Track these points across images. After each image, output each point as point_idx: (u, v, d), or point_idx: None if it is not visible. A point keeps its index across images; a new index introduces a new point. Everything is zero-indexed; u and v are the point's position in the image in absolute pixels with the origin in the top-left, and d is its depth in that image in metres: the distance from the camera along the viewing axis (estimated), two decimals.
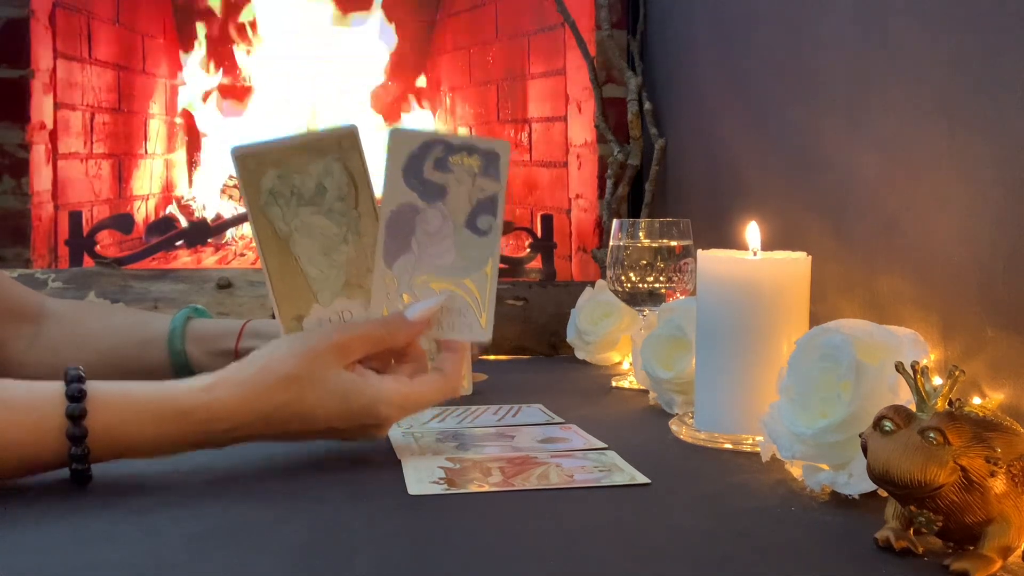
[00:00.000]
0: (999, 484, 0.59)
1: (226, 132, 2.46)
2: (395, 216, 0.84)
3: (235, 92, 2.53)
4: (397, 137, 0.84)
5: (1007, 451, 0.60)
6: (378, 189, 0.84)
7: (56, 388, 0.75)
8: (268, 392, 0.78)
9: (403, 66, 2.60)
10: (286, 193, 0.83)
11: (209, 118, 2.52)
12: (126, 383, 0.78)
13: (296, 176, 0.83)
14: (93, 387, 0.75)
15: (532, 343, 1.48)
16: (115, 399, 0.76)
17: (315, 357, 0.80)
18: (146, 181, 2.31)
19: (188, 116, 2.53)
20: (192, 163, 2.53)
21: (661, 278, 1.14)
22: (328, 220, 0.84)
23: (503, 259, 1.80)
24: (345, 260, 0.85)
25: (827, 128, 1.11)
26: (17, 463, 0.74)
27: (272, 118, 2.43)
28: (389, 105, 2.57)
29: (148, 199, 2.33)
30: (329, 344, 0.80)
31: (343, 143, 0.83)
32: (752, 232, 0.94)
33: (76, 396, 0.74)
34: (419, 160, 0.83)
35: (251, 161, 0.83)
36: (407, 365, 0.85)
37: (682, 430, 0.96)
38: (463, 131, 2.46)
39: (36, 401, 0.74)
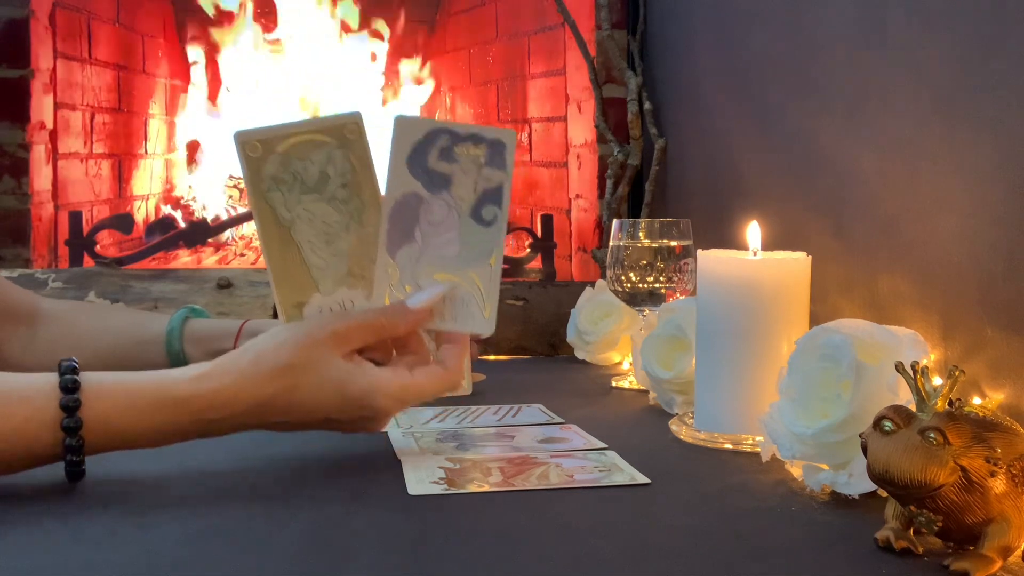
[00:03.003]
0: (999, 484, 0.59)
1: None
2: (399, 205, 0.82)
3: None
4: (402, 125, 0.82)
5: (1007, 451, 0.60)
6: (382, 177, 0.83)
7: (51, 379, 0.74)
8: (263, 381, 0.77)
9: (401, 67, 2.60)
10: (288, 179, 0.82)
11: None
12: (121, 373, 0.77)
13: (298, 162, 0.82)
14: (87, 378, 0.75)
15: (532, 343, 1.48)
16: (109, 389, 0.75)
17: (312, 346, 0.78)
18: (146, 181, 2.31)
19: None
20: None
21: (661, 278, 1.14)
22: (331, 208, 0.82)
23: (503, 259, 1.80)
24: (347, 249, 0.83)
25: (827, 128, 1.11)
26: (12, 455, 0.73)
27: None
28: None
29: (148, 199, 2.32)
30: (327, 333, 0.79)
31: (347, 130, 0.82)
32: (753, 232, 0.94)
33: (70, 387, 0.73)
34: (424, 149, 0.82)
35: (253, 146, 0.81)
36: (408, 356, 0.83)
37: (682, 430, 0.96)
38: None
39: (30, 392, 0.74)
